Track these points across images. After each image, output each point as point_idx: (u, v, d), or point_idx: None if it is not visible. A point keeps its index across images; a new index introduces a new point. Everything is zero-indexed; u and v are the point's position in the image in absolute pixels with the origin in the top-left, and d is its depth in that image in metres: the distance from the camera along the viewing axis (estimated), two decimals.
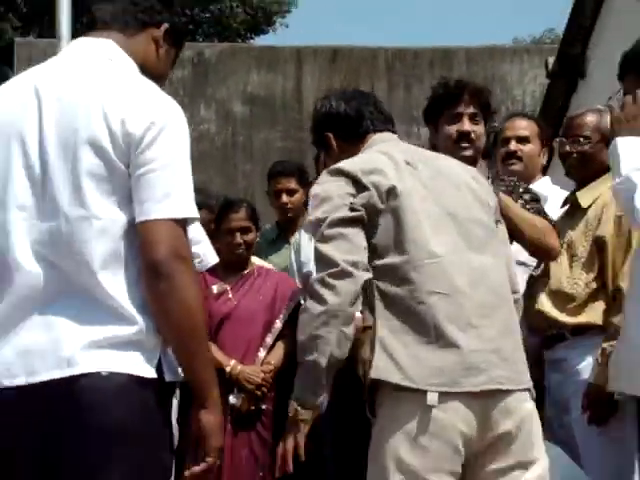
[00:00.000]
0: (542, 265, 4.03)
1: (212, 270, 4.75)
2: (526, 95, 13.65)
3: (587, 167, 3.99)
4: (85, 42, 2.76)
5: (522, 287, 4.02)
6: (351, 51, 12.81)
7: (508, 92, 13.22)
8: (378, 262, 2.91)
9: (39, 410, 2.58)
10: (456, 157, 3.62)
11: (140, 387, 2.55)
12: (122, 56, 2.70)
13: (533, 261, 4.10)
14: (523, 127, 4.40)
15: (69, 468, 2.57)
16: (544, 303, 3.90)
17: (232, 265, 4.97)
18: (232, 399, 4.78)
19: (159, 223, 2.51)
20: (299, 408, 2.92)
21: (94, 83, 2.61)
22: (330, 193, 2.96)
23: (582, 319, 3.83)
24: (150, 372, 2.56)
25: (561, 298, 3.85)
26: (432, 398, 2.76)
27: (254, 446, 4.83)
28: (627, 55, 3.15)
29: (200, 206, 3.09)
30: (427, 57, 13.77)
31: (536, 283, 4.00)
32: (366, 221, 2.91)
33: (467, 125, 3.79)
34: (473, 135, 3.75)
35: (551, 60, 11.19)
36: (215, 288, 4.95)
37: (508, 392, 2.83)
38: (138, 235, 2.54)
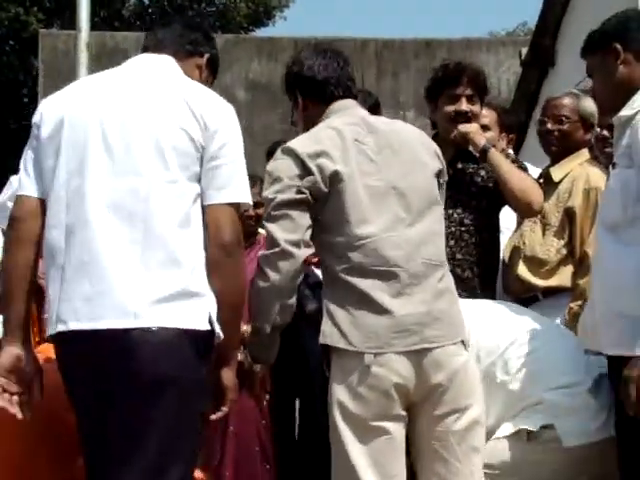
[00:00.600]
0: (518, 231, 4.05)
1: None
2: (501, 83, 13.63)
3: (565, 144, 3.99)
4: (150, 56, 2.92)
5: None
6: (343, 42, 12.72)
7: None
8: (324, 238, 2.98)
9: (101, 353, 2.64)
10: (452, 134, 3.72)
11: (192, 339, 2.65)
12: (179, 69, 2.87)
13: (509, 229, 4.11)
14: (484, 116, 4.38)
15: (120, 403, 2.65)
16: (520, 268, 3.90)
17: (243, 235, 4.90)
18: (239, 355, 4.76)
19: (225, 207, 2.69)
20: (251, 362, 3.12)
21: (172, 82, 2.79)
22: (280, 173, 3.00)
23: (553, 282, 3.85)
24: (204, 325, 2.66)
25: (535, 263, 3.86)
26: (368, 359, 2.85)
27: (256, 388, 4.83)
28: (594, 35, 3.12)
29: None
30: (412, 48, 13.74)
31: (514, 253, 4.01)
32: (312, 202, 2.95)
33: (464, 105, 3.80)
34: (470, 114, 3.77)
35: (524, 51, 11.20)
36: None
37: (439, 348, 2.90)
38: (207, 214, 2.68)
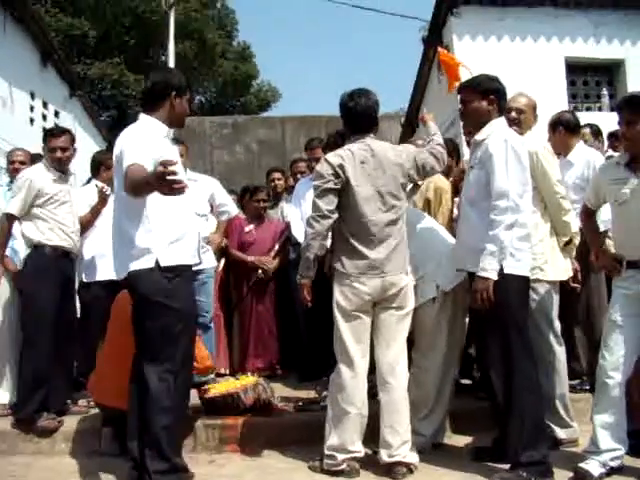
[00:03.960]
0: None
1: (245, 219, 4.74)
2: (392, 137, 13.55)
3: None
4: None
5: None
6: (309, 117, 12.59)
7: (382, 138, 13.01)
8: (340, 213, 2.92)
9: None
10: None
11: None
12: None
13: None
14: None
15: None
16: None
17: (256, 217, 4.86)
18: (259, 273, 4.70)
19: None
20: (301, 277, 2.89)
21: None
22: (323, 172, 2.90)
23: None
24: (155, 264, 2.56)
25: None
26: (353, 278, 2.85)
27: (267, 299, 4.77)
28: (477, 85, 2.88)
29: (231, 192, 3.31)
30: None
31: None
32: (338, 191, 2.89)
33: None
34: None
35: (402, 120, 11.20)
36: (247, 228, 4.84)
37: (391, 276, 2.88)
38: None
